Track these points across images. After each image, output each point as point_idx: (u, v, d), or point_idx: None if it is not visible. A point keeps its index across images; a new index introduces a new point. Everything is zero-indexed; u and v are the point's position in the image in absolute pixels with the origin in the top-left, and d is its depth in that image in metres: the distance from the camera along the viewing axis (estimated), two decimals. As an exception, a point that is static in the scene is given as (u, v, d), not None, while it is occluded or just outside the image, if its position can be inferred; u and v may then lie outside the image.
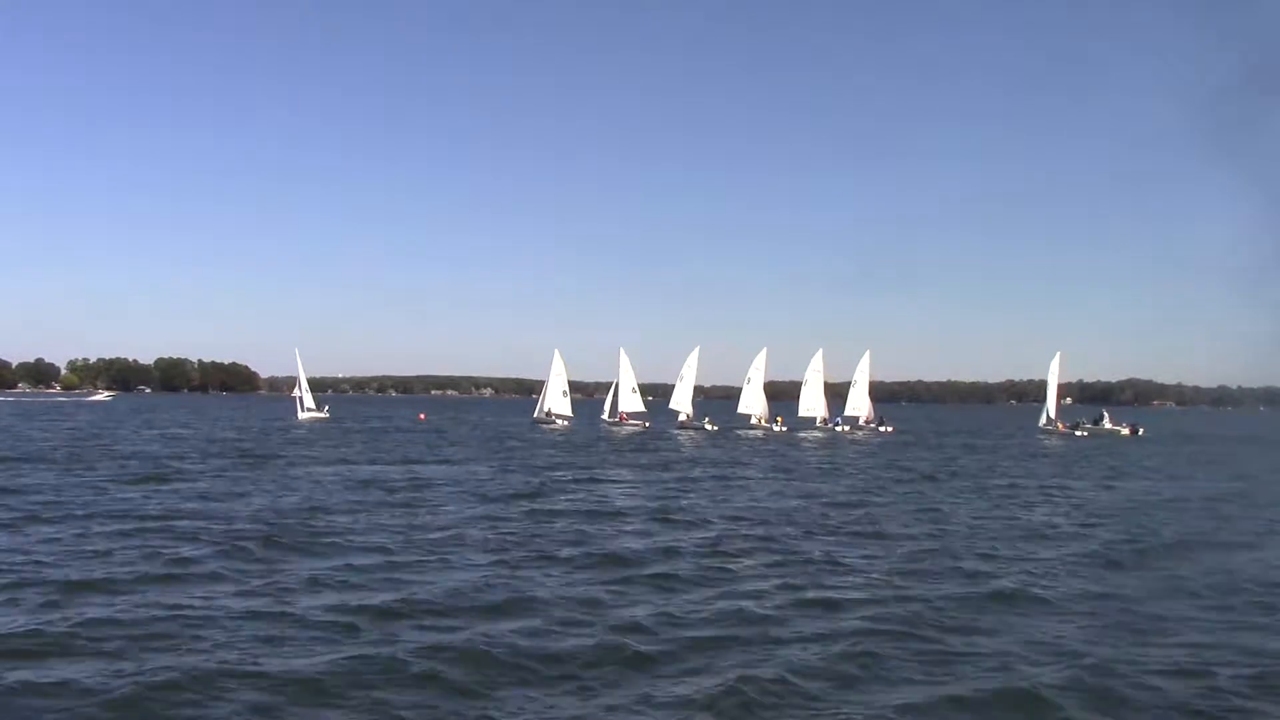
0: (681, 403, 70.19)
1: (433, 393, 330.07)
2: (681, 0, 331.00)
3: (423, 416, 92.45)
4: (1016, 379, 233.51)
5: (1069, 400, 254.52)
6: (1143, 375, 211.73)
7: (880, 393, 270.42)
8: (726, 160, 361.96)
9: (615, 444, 51.88)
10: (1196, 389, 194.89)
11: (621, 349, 71.84)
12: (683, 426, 67.98)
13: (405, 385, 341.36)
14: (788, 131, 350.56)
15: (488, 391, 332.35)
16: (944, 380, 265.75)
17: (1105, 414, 76.05)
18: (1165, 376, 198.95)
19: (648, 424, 69.02)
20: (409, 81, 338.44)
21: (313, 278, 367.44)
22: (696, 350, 72.14)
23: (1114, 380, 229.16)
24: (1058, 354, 73.28)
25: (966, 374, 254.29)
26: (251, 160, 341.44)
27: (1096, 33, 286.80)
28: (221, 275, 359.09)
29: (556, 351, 72.71)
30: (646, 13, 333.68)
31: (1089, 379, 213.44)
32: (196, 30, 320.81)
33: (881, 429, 71.63)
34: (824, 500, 25.30)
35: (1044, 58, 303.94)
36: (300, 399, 77.06)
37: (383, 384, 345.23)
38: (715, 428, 66.12)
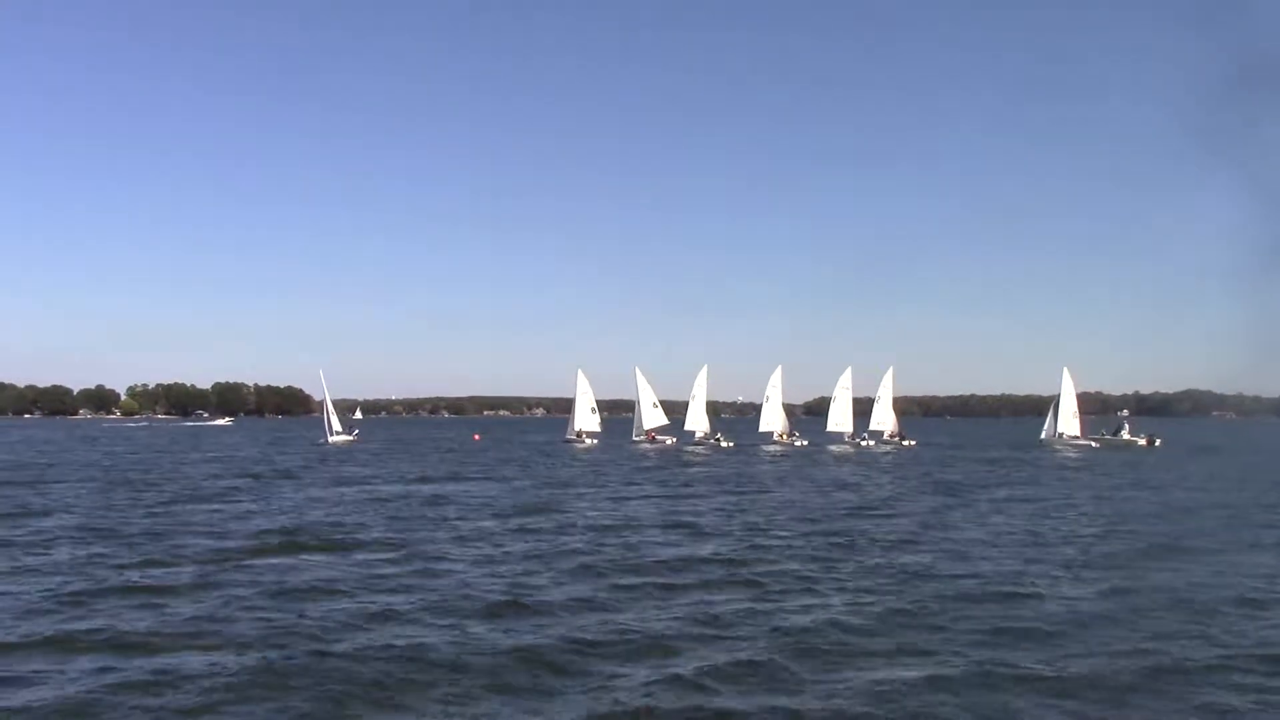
0: (696, 421, 74.47)
1: (485, 413, 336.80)
2: (692, 18, 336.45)
3: (477, 437, 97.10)
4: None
5: (1125, 412, 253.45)
6: (1201, 385, 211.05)
7: (935, 407, 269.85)
8: (739, 172, 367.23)
9: (624, 460, 56.21)
10: (1257, 399, 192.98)
11: (637, 368, 76.17)
12: (698, 443, 72.26)
13: (458, 406, 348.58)
14: (801, 141, 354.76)
15: (540, 411, 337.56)
16: (999, 395, 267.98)
17: (1125, 425, 78.67)
18: (1224, 386, 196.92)
19: (671, 440, 73.18)
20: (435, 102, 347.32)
21: (365, 300, 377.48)
22: (705, 369, 76.62)
23: (1171, 391, 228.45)
24: (1065, 369, 75.86)
25: (1022, 388, 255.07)
26: (301, 189, 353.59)
27: (1095, 37, 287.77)
28: (273, 300, 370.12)
29: (580, 371, 77.27)
30: (655, 28, 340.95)
31: (1145, 390, 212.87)
32: (246, 59, 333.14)
33: (904, 443, 75.29)
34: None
35: (1048, 62, 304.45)
36: (329, 422, 78.49)
37: (435, 405, 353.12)
38: (730, 444, 70.31)
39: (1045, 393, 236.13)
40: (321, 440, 77.72)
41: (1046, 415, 78.70)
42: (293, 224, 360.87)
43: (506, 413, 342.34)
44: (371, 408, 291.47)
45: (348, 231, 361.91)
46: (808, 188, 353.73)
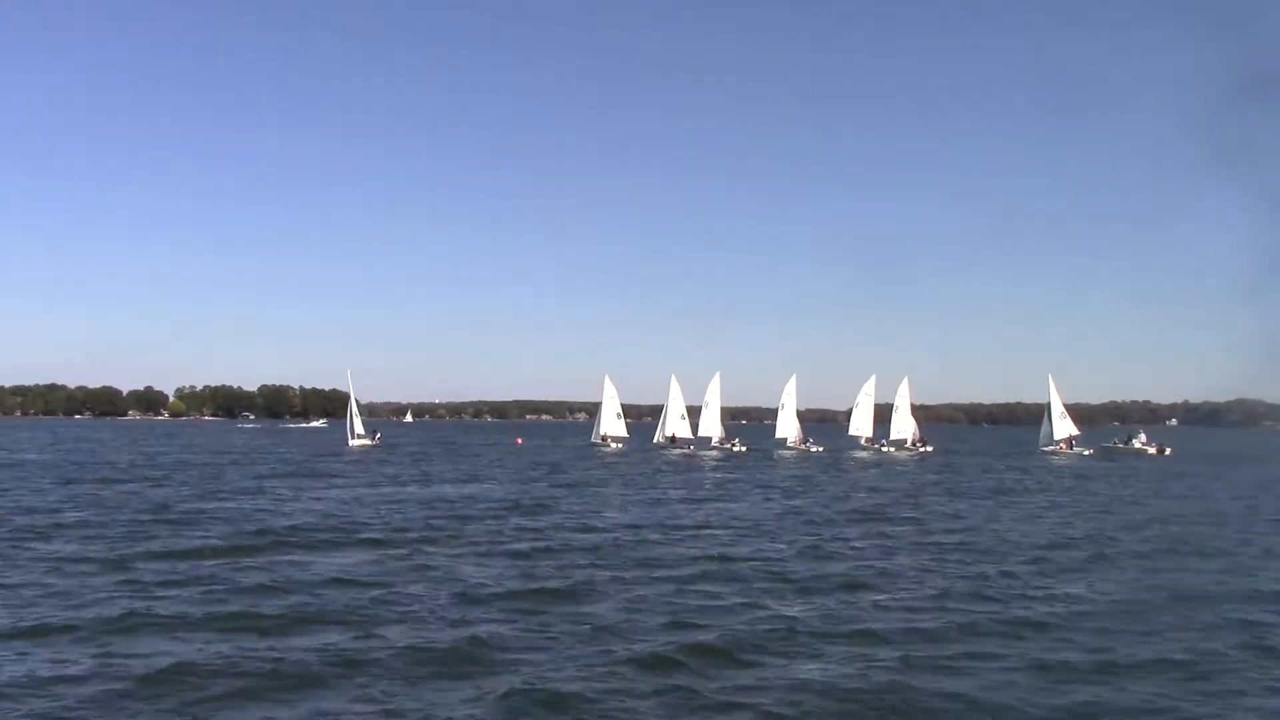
0: (710, 426, 79.04)
1: (527, 417, 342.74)
2: (715, 23, 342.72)
3: (520, 441, 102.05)
4: (1119, 400, 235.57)
5: (1173, 421, 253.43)
6: (1252, 395, 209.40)
7: (980, 414, 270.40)
8: (767, 178, 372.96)
9: (656, 465, 60.85)
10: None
11: (673, 376, 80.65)
12: (714, 448, 76.79)
13: (500, 410, 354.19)
14: (817, 147, 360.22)
15: (581, 415, 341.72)
16: (1042, 402, 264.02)
17: (1143, 434, 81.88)
18: (1272, 395, 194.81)
19: (691, 447, 77.68)
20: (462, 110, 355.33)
21: (407, 304, 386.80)
22: (717, 376, 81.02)
23: (1222, 401, 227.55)
24: (1049, 376, 78.86)
25: (1072, 396, 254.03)
26: (346, 193, 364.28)
27: (1102, 42, 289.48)
28: (318, 305, 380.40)
29: (607, 377, 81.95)
30: (677, 31, 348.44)
31: (1195, 400, 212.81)
32: (279, 64, 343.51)
33: (923, 449, 79.49)
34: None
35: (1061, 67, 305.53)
36: (351, 426, 78.26)
37: (479, 409, 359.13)
38: (744, 449, 74.81)
39: (1094, 400, 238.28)
40: (342, 445, 78.17)
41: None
42: (338, 229, 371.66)
43: (549, 417, 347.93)
44: (415, 411, 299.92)
45: (393, 236, 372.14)
46: (838, 193, 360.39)
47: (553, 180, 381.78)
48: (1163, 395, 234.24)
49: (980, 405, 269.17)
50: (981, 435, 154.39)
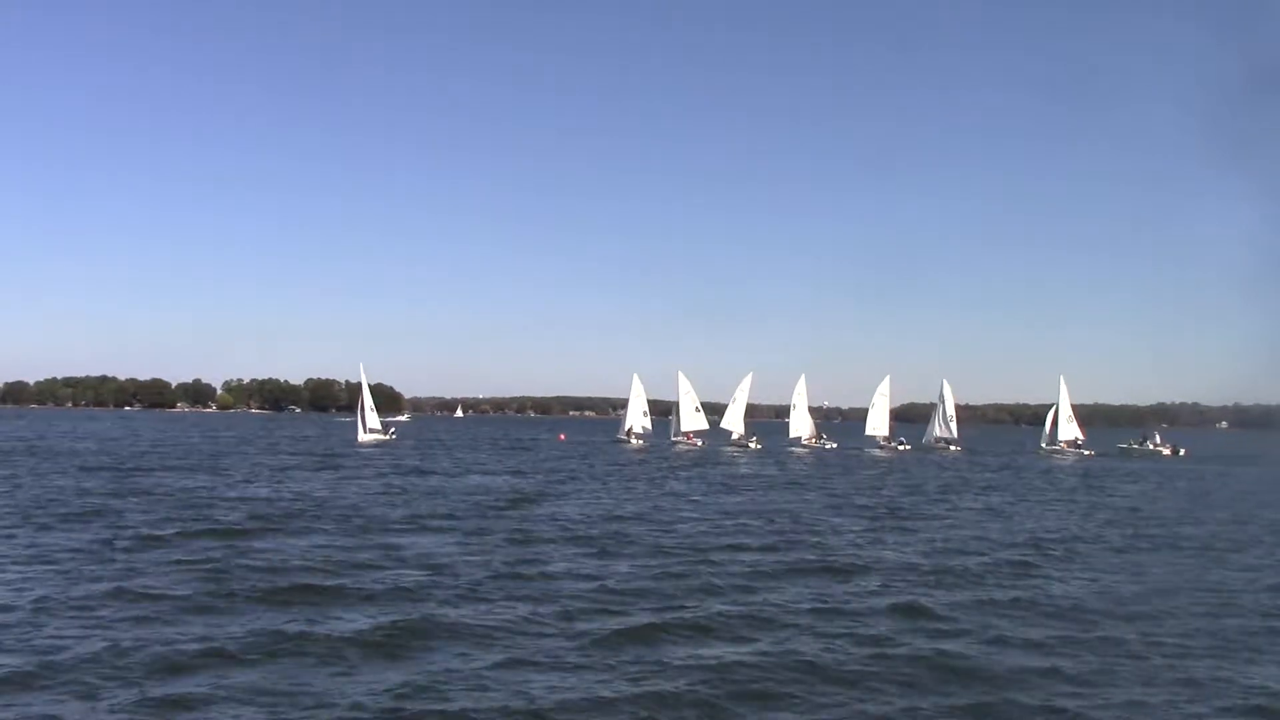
0: (733, 423, 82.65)
1: (571, 413, 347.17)
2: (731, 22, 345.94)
3: (562, 437, 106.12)
4: (1168, 401, 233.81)
5: (1224, 424, 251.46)
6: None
7: (1026, 415, 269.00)
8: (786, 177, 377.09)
9: (670, 459, 64.70)
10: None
11: (680, 372, 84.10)
12: (733, 444, 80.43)
13: (544, 406, 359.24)
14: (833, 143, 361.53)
15: (622, 412, 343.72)
16: (1090, 404, 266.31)
17: (1157, 435, 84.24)
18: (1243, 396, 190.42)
19: (704, 442, 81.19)
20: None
21: (453, 300, 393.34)
22: (749, 375, 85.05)
23: (1273, 404, 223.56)
24: (1060, 377, 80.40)
25: (1119, 398, 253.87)
26: (386, 193, 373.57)
27: (1110, 39, 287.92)
28: (365, 300, 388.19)
29: (635, 374, 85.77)
30: (693, 31, 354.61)
31: (1245, 403, 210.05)
32: (321, 67, 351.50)
33: (952, 448, 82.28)
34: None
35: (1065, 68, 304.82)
36: (362, 418, 75.47)
37: (522, 404, 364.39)
38: (759, 446, 78.34)
39: (1142, 402, 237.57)
40: (353, 437, 76.46)
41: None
42: (386, 226, 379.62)
43: (592, 413, 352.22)
44: (462, 406, 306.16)
45: (442, 234, 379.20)
46: (857, 192, 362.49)
47: (594, 180, 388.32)
48: (1213, 398, 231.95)
49: (1026, 406, 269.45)
50: (1015, 435, 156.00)
